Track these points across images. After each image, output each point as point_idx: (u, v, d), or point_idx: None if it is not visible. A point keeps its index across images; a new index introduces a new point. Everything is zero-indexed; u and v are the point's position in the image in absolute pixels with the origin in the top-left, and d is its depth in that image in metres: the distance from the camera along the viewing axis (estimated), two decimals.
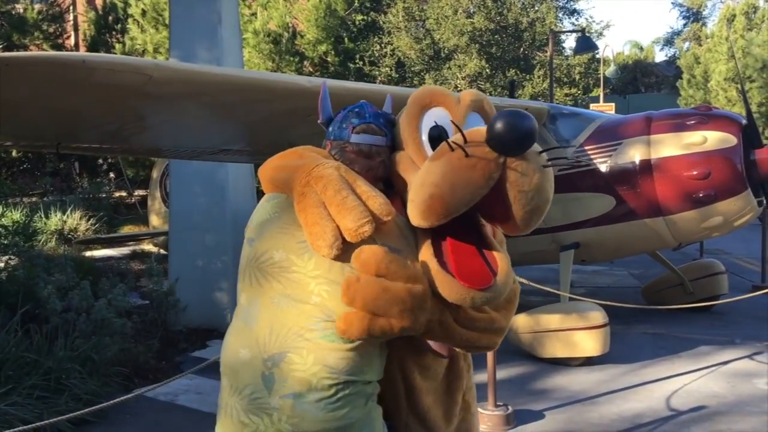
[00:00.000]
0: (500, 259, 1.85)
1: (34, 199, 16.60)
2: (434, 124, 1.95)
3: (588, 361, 5.83)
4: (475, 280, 1.77)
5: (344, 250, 1.78)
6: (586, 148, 6.58)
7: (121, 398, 3.37)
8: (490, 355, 4.61)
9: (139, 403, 5.22)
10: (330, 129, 2.06)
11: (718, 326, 7.01)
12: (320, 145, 2.07)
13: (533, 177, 1.74)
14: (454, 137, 1.80)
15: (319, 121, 2.11)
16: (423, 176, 1.82)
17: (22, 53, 5.29)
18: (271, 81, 4.60)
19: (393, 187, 1.98)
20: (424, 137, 1.95)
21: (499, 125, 1.67)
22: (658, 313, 7.34)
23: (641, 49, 43.84)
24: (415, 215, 1.83)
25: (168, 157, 8.04)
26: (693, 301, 7.31)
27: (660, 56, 43.14)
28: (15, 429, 3.10)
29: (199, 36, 7.25)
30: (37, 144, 5.39)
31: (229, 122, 5.28)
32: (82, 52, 5.69)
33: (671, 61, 38.97)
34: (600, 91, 21.98)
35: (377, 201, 1.80)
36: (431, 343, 1.95)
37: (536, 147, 1.79)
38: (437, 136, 1.92)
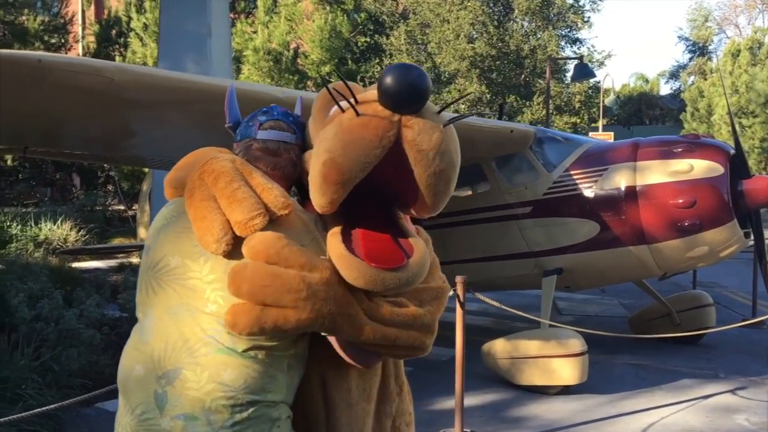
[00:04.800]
0: (416, 244, 1.74)
1: (29, 208, 16.56)
2: None
3: (565, 390, 5.68)
4: (384, 260, 1.66)
5: (238, 247, 1.65)
6: (572, 172, 6.47)
7: (64, 402, 3.18)
8: (458, 379, 4.48)
9: (100, 418, 5.08)
10: (237, 131, 1.98)
11: (703, 359, 6.84)
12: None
13: (432, 135, 1.62)
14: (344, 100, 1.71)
15: (226, 125, 2.03)
16: (316, 148, 1.72)
17: None
18: (245, 91, 4.50)
19: (307, 189, 1.88)
20: None
21: (387, 79, 1.58)
22: (644, 344, 7.17)
23: (647, 81, 44.01)
24: (314, 194, 1.70)
25: (154, 167, 7.96)
26: (679, 333, 7.15)
27: (665, 89, 43.37)
28: None
29: (187, 48, 7.24)
30: (2, 147, 5.31)
31: (213, 132, 5.18)
32: (39, 52, 5.63)
33: (676, 95, 39.11)
34: (600, 121, 21.95)
35: (272, 193, 1.69)
36: (344, 353, 1.79)
37: (434, 107, 1.69)
38: None
